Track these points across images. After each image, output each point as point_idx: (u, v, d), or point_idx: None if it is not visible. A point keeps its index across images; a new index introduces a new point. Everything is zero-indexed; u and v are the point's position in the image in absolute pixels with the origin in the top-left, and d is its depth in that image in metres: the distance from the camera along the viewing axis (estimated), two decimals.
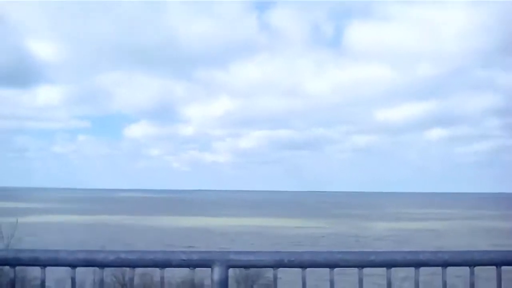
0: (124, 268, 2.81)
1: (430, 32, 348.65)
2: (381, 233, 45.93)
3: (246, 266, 2.79)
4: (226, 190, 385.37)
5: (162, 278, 2.81)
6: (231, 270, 2.76)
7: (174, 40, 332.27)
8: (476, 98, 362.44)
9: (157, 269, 2.76)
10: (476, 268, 2.72)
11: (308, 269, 2.74)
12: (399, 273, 2.89)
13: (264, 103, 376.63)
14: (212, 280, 2.72)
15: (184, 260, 2.71)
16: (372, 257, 2.70)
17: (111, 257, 2.71)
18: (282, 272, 2.76)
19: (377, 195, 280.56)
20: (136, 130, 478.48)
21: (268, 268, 2.81)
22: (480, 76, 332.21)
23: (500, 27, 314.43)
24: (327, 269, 2.73)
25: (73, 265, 2.69)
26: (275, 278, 2.81)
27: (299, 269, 2.74)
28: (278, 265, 2.72)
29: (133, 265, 2.73)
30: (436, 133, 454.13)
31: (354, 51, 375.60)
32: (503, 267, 2.73)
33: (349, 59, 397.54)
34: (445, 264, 2.69)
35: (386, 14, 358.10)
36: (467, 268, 2.74)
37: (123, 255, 2.71)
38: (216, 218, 66.40)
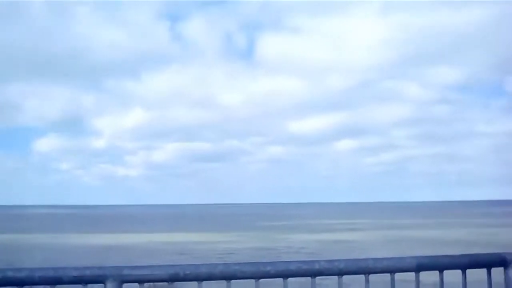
0: (12, 287, 2.64)
1: (339, 45, 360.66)
2: (297, 245, 45.52)
3: (140, 281, 2.73)
4: (140, 205, 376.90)
5: None
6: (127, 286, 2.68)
7: (84, 50, 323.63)
8: (384, 109, 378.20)
9: (47, 286, 2.67)
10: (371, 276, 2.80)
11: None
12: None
13: (177, 115, 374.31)
14: None
15: (75, 276, 2.65)
16: (268, 268, 2.72)
17: None
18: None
19: (292, 206, 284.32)
20: (45, 143, 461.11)
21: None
22: (387, 88, 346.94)
23: (405, 39, 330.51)
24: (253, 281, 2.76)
25: None
26: None
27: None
28: (174, 278, 2.72)
29: (21, 283, 2.62)
30: (346, 143, 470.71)
31: (266, 63, 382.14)
32: (397, 274, 2.84)
33: (261, 70, 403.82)
34: (340, 273, 2.75)
35: (296, 27, 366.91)
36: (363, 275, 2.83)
37: (10, 273, 2.61)
38: (125, 234, 63.98)
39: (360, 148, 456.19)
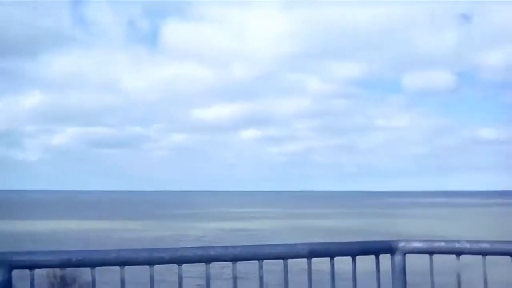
0: None
1: (244, 35, 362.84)
2: (199, 234, 45.70)
3: (31, 267, 2.58)
4: (38, 190, 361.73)
5: None
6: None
7: None
8: (287, 101, 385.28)
9: None
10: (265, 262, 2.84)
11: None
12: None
13: (78, 99, 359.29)
14: None
15: None
16: (163, 254, 2.70)
17: None
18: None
19: (195, 194, 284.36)
20: None
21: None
22: (290, 80, 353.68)
23: (308, 33, 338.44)
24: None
25: None
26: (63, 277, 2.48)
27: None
28: (66, 264, 2.63)
29: None
30: (250, 133, 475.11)
31: (171, 49, 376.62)
32: (289, 260, 2.87)
33: (166, 57, 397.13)
34: (235, 259, 2.78)
35: (201, 15, 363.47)
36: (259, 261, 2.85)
37: None
38: (18, 221, 61.29)
39: (264, 138, 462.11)
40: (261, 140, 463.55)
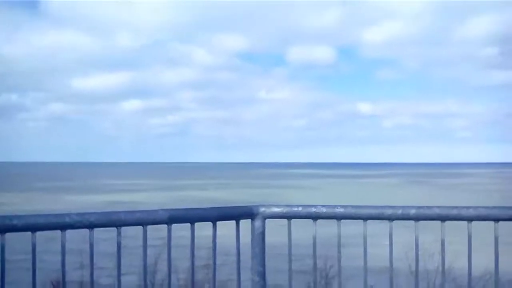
0: None
1: (131, 3, 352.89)
2: (76, 207, 45.94)
3: None
4: None
5: None
6: None
7: None
8: (171, 72, 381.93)
9: None
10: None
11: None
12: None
13: None
14: None
15: None
16: (15, 221, 2.56)
17: None
18: None
19: (75, 165, 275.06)
20: None
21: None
22: (175, 50, 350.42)
23: (196, 3, 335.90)
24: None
25: None
26: None
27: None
28: None
29: None
30: (132, 104, 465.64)
31: (53, 15, 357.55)
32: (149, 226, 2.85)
33: (47, 23, 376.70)
34: (90, 226, 2.70)
35: None
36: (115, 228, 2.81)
37: None
38: None
39: (146, 109, 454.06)
40: (143, 111, 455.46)
